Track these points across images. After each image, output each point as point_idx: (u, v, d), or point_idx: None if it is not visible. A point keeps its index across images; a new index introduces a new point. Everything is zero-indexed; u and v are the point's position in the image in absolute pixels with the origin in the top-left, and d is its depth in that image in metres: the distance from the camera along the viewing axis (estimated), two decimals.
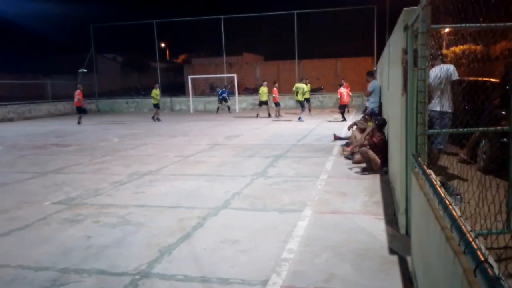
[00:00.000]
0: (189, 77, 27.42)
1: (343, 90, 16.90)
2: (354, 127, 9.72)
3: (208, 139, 12.26)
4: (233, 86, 26.39)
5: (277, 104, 19.58)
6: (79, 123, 18.34)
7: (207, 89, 35.25)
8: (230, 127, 15.62)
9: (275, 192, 5.96)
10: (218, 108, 23.68)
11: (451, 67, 5.38)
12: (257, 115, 19.89)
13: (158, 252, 3.92)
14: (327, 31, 35.08)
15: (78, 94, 18.47)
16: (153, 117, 19.63)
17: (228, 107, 23.55)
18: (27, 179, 7.36)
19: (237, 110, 24.97)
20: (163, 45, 43.78)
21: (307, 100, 20.01)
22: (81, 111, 18.74)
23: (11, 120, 22.16)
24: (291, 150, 9.76)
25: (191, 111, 25.76)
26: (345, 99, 16.87)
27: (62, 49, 41.40)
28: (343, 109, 17.02)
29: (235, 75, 25.89)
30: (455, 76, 5.42)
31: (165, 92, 30.54)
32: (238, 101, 25.56)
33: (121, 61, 48.34)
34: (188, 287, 3.23)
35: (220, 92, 23.76)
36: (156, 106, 19.89)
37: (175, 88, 34.59)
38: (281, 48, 33.99)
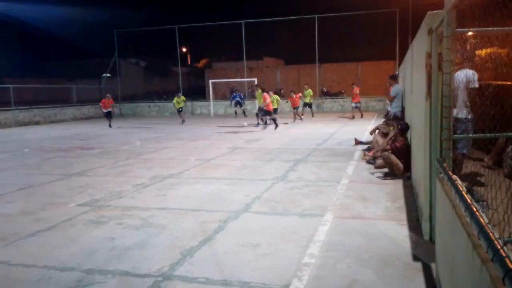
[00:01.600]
0: (210, 81, 27.64)
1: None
2: (376, 131, 9.62)
3: (228, 142, 12.33)
4: (253, 90, 26.45)
5: (298, 108, 19.66)
6: (110, 126, 18.96)
7: (228, 93, 35.44)
8: (250, 131, 15.66)
9: (295, 197, 5.94)
10: (236, 112, 23.73)
11: (471, 73, 5.24)
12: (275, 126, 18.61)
13: (180, 254, 3.96)
14: (348, 35, 34.88)
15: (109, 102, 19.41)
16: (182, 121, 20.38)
17: (244, 111, 23.53)
18: (53, 181, 7.54)
19: None
20: (184, 49, 44.32)
21: (309, 105, 20.35)
22: (108, 116, 19.33)
23: (37, 123, 22.76)
24: (311, 154, 9.72)
25: (212, 115, 25.94)
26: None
27: (86, 54, 42.35)
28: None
29: (255, 79, 25.95)
30: (475, 83, 5.25)
31: (186, 96, 30.82)
32: (258, 105, 25.58)
33: (144, 66, 49.09)
34: None
35: (232, 97, 23.79)
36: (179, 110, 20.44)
37: (196, 92, 34.91)
38: (301, 52, 33.99)
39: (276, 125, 15.74)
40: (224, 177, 7.49)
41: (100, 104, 19.40)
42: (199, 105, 28.70)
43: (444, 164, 2.89)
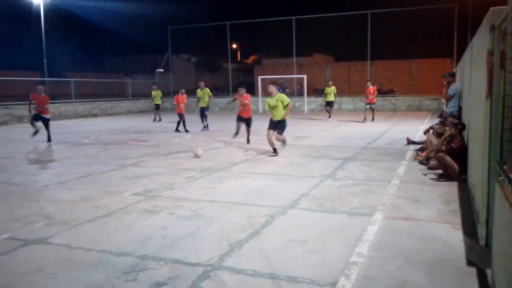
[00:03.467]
0: (259, 77, 27.78)
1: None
2: (431, 131, 9.29)
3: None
4: (302, 87, 26.32)
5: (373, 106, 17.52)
6: (182, 130, 15.69)
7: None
8: (297, 128, 15.62)
9: (343, 195, 5.89)
10: None
11: None
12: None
13: (229, 246, 4.06)
14: (402, 31, 33.69)
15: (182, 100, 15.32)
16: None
17: None
18: (110, 171, 7.93)
19: (306, 111, 24.87)
20: (234, 46, 44.80)
21: (331, 103, 18.70)
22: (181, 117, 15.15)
23: (95, 115, 23.95)
24: (361, 153, 9.55)
25: (260, 111, 26.08)
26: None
27: (141, 49, 43.93)
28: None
29: (304, 76, 25.81)
30: None
31: (236, 92, 31.22)
32: (307, 102, 25.46)
33: (195, 62, 50.20)
34: (257, 282, 3.32)
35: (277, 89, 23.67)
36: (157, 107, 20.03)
37: (245, 88, 35.21)
38: (352, 48, 33.25)
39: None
40: (271, 172, 7.54)
41: (174, 103, 15.46)
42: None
43: (505, 167, 2.77)
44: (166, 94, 30.07)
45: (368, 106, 17.40)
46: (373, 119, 17.43)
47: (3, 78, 22.59)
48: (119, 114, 25.61)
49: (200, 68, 48.41)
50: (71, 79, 25.61)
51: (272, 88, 9.42)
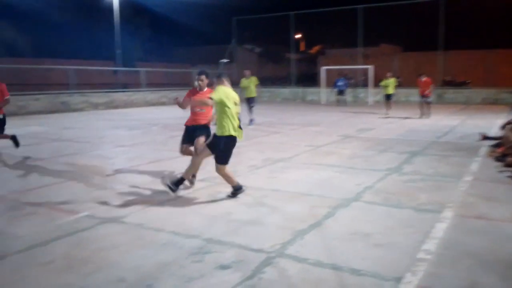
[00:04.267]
0: (322, 68, 27.37)
1: None
2: (509, 126, 8.67)
3: (339, 130, 12.18)
4: (366, 78, 25.57)
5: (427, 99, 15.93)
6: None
7: None
8: (362, 120, 15.25)
9: (410, 190, 5.69)
10: (338, 100, 23.18)
11: None
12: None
13: (291, 235, 4.10)
14: (477, 19, 31.45)
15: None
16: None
17: (345, 101, 22.82)
18: (177, 157, 8.26)
19: (370, 103, 24.17)
20: (298, 36, 44.42)
21: (389, 96, 16.71)
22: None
23: (163, 104, 24.97)
24: (429, 147, 9.14)
25: (323, 102, 25.77)
26: None
27: (206, 40, 44.97)
28: None
29: (370, 67, 25.02)
30: None
31: (298, 82, 31.08)
32: (372, 94, 24.72)
33: (258, 52, 50.46)
34: (319, 272, 3.33)
35: (335, 82, 23.10)
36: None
37: (307, 79, 34.88)
38: (421, 38, 31.62)
39: None
40: (334, 164, 7.46)
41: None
42: (310, 92, 28.70)
43: None
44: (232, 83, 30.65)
45: (423, 100, 15.77)
46: (428, 115, 15.66)
47: (80, 67, 24.17)
48: None
49: (263, 58, 48.59)
50: (142, 69, 26.86)
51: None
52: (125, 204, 5.18)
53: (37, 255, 3.72)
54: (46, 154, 8.66)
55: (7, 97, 8.16)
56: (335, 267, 3.39)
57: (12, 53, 26.10)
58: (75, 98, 20.63)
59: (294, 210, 4.90)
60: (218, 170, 5.26)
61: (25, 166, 7.60)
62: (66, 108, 19.79)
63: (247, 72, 14.41)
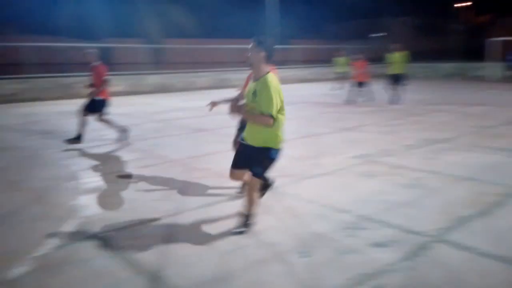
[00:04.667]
0: (491, 39, 24.00)
1: None
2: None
3: (507, 111, 10.68)
4: None
5: None
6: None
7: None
8: None
9: None
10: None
11: None
12: None
13: (452, 221, 3.82)
14: None
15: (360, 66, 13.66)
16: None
17: None
18: (328, 133, 8.35)
19: None
20: (466, 3, 39.64)
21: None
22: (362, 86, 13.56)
23: (310, 81, 25.20)
24: None
25: (488, 78, 22.77)
26: None
27: (356, 14, 43.42)
28: None
29: None
30: None
31: (460, 57, 27.93)
32: None
33: (413, 24, 46.75)
34: (486, 263, 3.06)
35: (507, 55, 19.94)
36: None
37: (472, 52, 31.11)
38: None
39: None
40: (504, 148, 6.62)
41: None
42: (473, 67, 25.57)
43: None
44: (378, 60, 29.25)
45: None
46: None
47: (239, 46, 25.79)
48: (328, 80, 26.29)
49: (419, 31, 44.88)
50: (295, 46, 27.39)
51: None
52: (280, 175, 5.42)
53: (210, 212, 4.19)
54: (211, 125, 9.58)
55: (104, 77, 7.45)
56: (505, 260, 3.07)
57: (181, 34, 28.92)
58: (234, 75, 22.19)
59: (458, 194, 4.53)
60: (251, 181, 3.67)
61: (195, 135, 8.55)
62: (227, 85, 21.49)
63: (396, 46, 13.37)
